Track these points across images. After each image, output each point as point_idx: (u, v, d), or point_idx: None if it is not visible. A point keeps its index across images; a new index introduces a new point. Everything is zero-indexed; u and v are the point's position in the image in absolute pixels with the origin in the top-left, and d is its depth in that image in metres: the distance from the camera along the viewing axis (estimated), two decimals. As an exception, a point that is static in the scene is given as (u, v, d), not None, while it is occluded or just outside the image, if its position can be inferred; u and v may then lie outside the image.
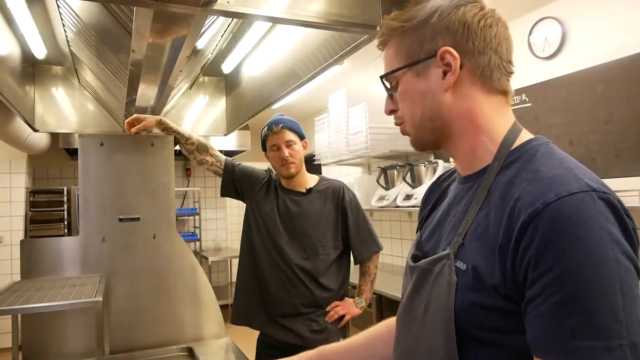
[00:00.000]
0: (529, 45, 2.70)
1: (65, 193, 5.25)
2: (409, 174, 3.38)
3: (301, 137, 2.10)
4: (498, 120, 0.74)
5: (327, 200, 2.10)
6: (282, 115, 2.13)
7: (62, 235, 4.97)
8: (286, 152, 2.01)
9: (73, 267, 1.88)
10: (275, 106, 2.38)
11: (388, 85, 0.81)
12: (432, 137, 0.78)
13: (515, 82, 2.79)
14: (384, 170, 3.68)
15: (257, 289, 2.13)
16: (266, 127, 2.08)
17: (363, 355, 0.97)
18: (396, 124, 0.82)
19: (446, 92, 0.74)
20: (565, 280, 0.56)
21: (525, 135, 0.74)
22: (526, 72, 2.74)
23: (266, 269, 2.09)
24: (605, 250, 0.56)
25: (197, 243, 6.12)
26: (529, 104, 2.71)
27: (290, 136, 2.04)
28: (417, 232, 0.91)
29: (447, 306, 0.68)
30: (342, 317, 2.15)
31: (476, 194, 0.72)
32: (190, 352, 1.89)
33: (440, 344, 0.70)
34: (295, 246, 2.06)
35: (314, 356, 0.98)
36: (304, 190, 2.09)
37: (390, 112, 0.82)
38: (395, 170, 3.62)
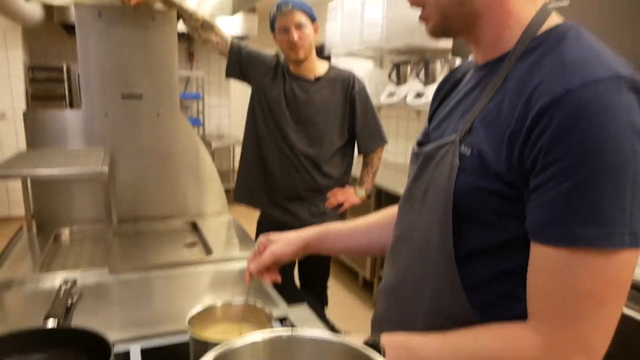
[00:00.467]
0: None
1: (65, 70, 5.15)
2: (422, 71, 3.28)
3: (312, 19, 1.99)
4: (527, 2, 0.68)
5: (336, 89, 2.06)
6: None
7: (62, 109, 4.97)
8: (295, 35, 1.92)
9: (77, 141, 1.90)
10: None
11: None
12: (456, 24, 0.71)
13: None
14: (396, 66, 3.57)
15: (260, 173, 2.19)
16: (275, 7, 1.97)
17: (364, 238, 1.00)
18: (413, 4, 0.74)
19: None
20: (576, 169, 0.56)
21: (554, 19, 0.68)
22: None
23: (270, 154, 2.13)
24: (622, 139, 0.55)
25: (200, 129, 6.15)
26: (567, 2, 2.54)
27: (301, 18, 1.94)
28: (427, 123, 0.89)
29: (447, 188, 0.69)
30: (342, 204, 2.23)
31: (491, 80, 0.69)
32: (194, 226, 1.99)
33: (435, 225, 0.71)
34: (300, 133, 2.07)
35: (317, 232, 1.01)
36: (313, 78, 2.05)
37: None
38: (408, 66, 3.50)
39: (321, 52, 4.43)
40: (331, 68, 2.11)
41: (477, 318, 0.69)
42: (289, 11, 1.91)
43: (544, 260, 0.61)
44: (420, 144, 0.84)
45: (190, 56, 6.19)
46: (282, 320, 1.15)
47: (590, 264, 0.57)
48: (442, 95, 0.88)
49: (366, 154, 2.22)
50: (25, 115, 1.87)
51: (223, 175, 6.42)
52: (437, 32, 0.73)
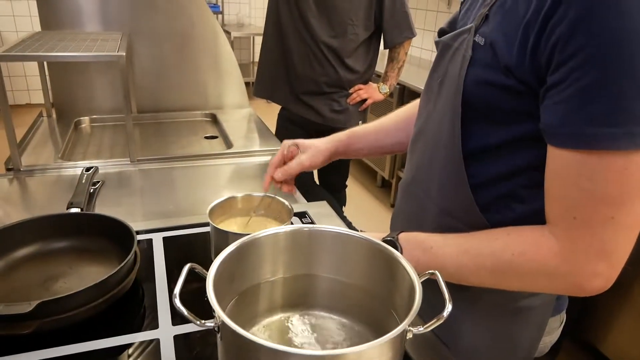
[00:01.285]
0: None
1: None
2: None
3: None
4: None
5: None
6: None
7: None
8: None
9: (93, 23, 1.81)
10: None
11: None
12: None
13: None
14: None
15: (281, 64, 2.10)
16: None
17: (391, 138, 0.97)
18: None
19: None
20: (597, 62, 0.50)
21: None
22: None
23: (292, 44, 2.02)
24: None
25: (220, 16, 5.88)
26: None
27: None
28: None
29: (458, 81, 0.65)
30: (364, 100, 2.15)
31: None
32: (214, 118, 1.95)
33: (446, 119, 0.69)
34: (323, 22, 1.95)
35: (345, 138, 0.98)
36: None
37: None
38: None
39: None
40: None
41: (483, 219, 0.68)
42: None
43: (560, 164, 0.57)
44: (441, 32, 0.78)
45: None
46: (302, 216, 1.15)
47: (608, 166, 0.53)
48: None
49: (392, 47, 2.10)
50: (37, -8, 1.77)
51: (243, 68, 6.27)
52: None
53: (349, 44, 1.99)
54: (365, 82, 2.14)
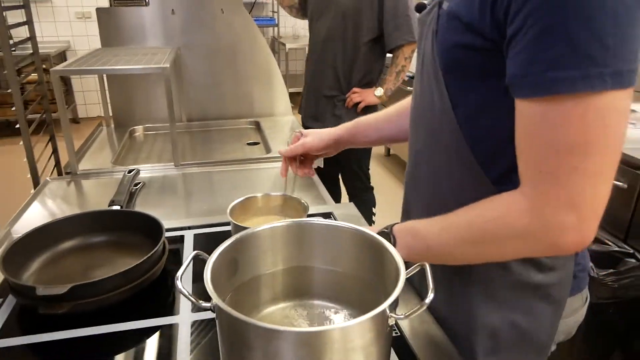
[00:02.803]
0: None
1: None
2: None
3: None
4: None
5: None
6: None
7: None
8: None
9: (149, 39, 1.96)
10: None
11: None
12: None
13: None
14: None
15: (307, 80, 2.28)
16: None
17: (395, 126, 0.98)
18: None
19: None
20: (547, 7, 0.50)
21: None
22: None
23: (310, 56, 2.20)
24: None
25: (275, 29, 6.05)
26: None
27: None
28: None
29: (432, 52, 0.67)
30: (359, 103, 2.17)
31: None
32: (257, 125, 2.03)
33: (434, 90, 0.70)
34: (330, 23, 2.05)
35: (350, 127, 1.01)
36: None
37: None
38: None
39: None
40: None
41: (492, 187, 0.67)
42: None
43: (525, 117, 0.57)
44: (419, 8, 0.78)
45: (264, -50, 5.95)
46: (327, 217, 1.19)
47: (568, 113, 0.52)
48: None
49: (392, 50, 2.11)
50: (98, 13, 1.93)
51: (298, 79, 6.36)
52: None
53: (354, 49, 2.07)
54: (368, 86, 2.15)
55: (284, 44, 5.57)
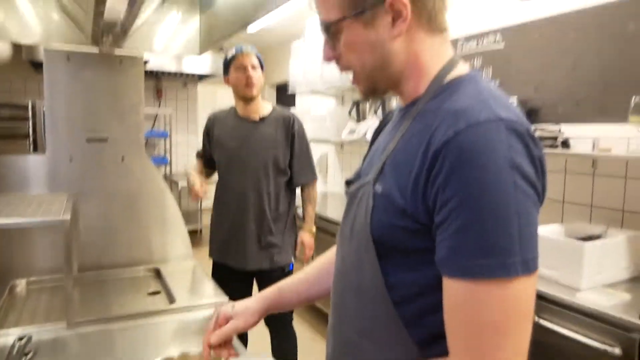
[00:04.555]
0: (510, -16, 2.66)
1: (30, 108, 5.07)
2: (380, 108, 3.40)
3: (262, 66, 2.28)
4: (438, 57, 0.76)
5: (279, 127, 2.28)
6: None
7: (28, 152, 4.86)
8: (252, 72, 2.19)
9: (40, 186, 1.88)
10: (251, 30, 2.37)
11: (326, 32, 0.78)
12: (383, 85, 0.79)
13: (491, 22, 2.78)
14: (356, 103, 3.69)
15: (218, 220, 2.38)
16: (234, 49, 2.25)
17: (316, 287, 1.03)
18: (342, 71, 0.80)
19: (395, 40, 0.73)
20: (467, 205, 0.61)
21: (460, 70, 0.76)
22: (503, 12, 2.71)
23: (225, 197, 2.33)
24: (504, 176, 0.61)
25: (167, 167, 6.10)
26: (502, 46, 2.72)
27: (256, 61, 2.23)
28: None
29: (366, 228, 0.74)
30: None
31: (403, 123, 0.77)
32: (158, 272, 1.96)
33: (364, 262, 0.76)
34: (249, 170, 2.25)
35: (274, 295, 1.03)
36: (258, 118, 2.27)
37: (330, 59, 0.80)
38: (367, 104, 3.63)
39: (285, 90, 4.53)
40: (274, 109, 2.35)
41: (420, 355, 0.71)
42: (248, 52, 2.22)
43: (449, 295, 0.65)
44: (348, 183, 0.89)
45: (158, 93, 6.20)
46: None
47: (489, 295, 0.61)
48: (375, 135, 0.94)
49: (304, 189, 2.42)
50: (-17, 160, 1.84)
51: (190, 216, 6.31)
52: (368, 94, 0.81)
53: (272, 188, 2.28)
54: (288, 220, 2.37)
55: (176, 182, 5.60)
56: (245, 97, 2.24)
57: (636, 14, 2.08)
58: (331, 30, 0.76)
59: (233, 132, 2.28)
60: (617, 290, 1.77)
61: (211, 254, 2.40)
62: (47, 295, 1.73)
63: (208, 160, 2.43)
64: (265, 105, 2.33)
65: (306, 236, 2.44)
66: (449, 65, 0.76)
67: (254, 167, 2.24)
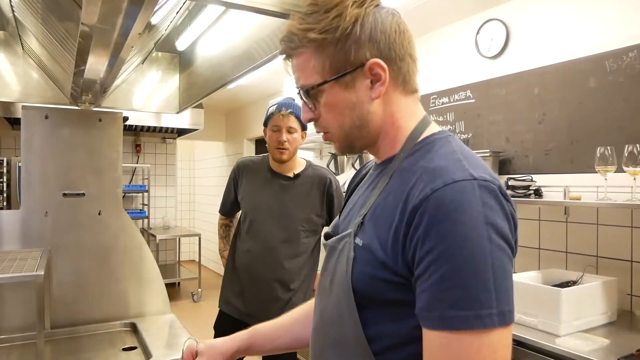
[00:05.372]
0: (476, 44, 2.83)
1: (4, 164, 5.01)
2: (357, 161, 3.47)
3: (303, 127, 2.14)
4: (412, 117, 0.81)
5: (314, 188, 2.15)
6: (294, 100, 2.16)
7: (1, 209, 4.76)
8: (285, 137, 2.06)
9: (13, 242, 1.84)
10: (229, 86, 2.39)
11: (306, 96, 0.81)
12: (359, 144, 0.83)
13: (462, 79, 2.93)
14: (334, 156, 3.76)
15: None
16: (275, 106, 2.13)
17: (290, 335, 1.02)
18: (318, 132, 0.85)
19: (374, 101, 0.78)
20: (445, 259, 0.64)
21: (432, 129, 0.81)
22: (472, 69, 2.87)
23: (252, 251, 2.13)
24: (479, 231, 0.64)
25: (145, 220, 6.02)
26: (473, 100, 2.85)
27: (294, 123, 2.09)
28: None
29: (346, 279, 0.76)
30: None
31: (381, 179, 0.80)
32: (134, 327, 1.91)
33: (344, 313, 0.77)
34: (279, 228, 2.10)
35: (245, 338, 1.02)
36: (292, 175, 2.14)
37: (310, 120, 0.84)
38: (345, 157, 3.70)
39: (264, 144, 4.61)
40: (309, 165, 2.22)
41: None
42: (286, 114, 2.07)
43: (429, 345, 0.67)
44: (327, 236, 0.91)
45: (136, 148, 6.20)
46: None
47: (466, 346, 0.63)
48: (351, 190, 0.97)
49: None
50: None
51: (168, 269, 6.19)
52: (344, 151, 0.86)
53: (301, 247, 2.12)
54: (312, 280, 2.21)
55: (154, 235, 5.52)
56: (277, 160, 2.12)
57: (596, 70, 2.22)
58: (311, 93, 0.80)
59: (265, 186, 2.15)
60: (596, 335, 1.78)
61: (221, 304, 2.22)
62: (17, 354, 1.66)
63: (232, 207, 2.31)
64: (300, 161, 2.22)
65: None
66: (422, 124, 0.81)
67: (283, 226, 2.10)
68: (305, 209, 2.13)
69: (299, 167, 2.19)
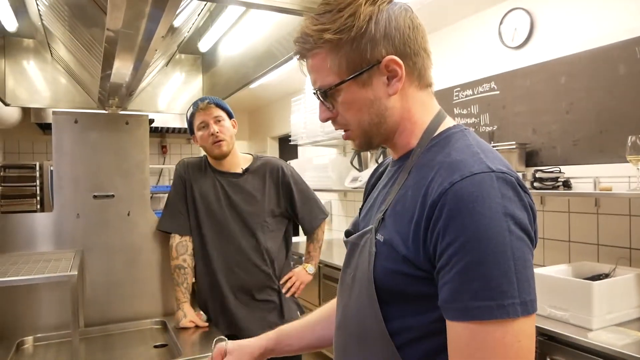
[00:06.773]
0: (500, 34, 2.78)
1: (37, 168, 5.17)
2: (381, 156, 3.45)
3: (229, 114, 1.99)
4: (428, 111, 0.82)
5: (267, 179, 2.01)
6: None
7: (35, 211, 4.91)
8: (215, 127, 1.90)
9: (47, 243, 1.90)
10: (252, 85, 2.41)
11: (323, 96, 0.81)
12: (378, 140, 0.83)
13: (485, 70, 2.88)
14: (357, 153, 3.75)
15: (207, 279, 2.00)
16: (191, 107, 1.97)
17: (314, 335, 1.03)
18: (337, 129, 0.85)
19: (391, 97, 0.78)
20: (466, 251, 0.64)
21: (447, 123, 0.81)
22: (496, 60, 2.82)
23: (216, 256, 1.96)
24: (499, 222, 0.64)
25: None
26: (497, 92, 2.80)
27: (218, 112, 1.94)
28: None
29: (369, 275, 0.76)
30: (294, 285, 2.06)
31: (399, 175, 0.81)
32: (164, 325, 1.95)
33: (367, 308, 0.77)
34: (241, 228, 1.96)
35: (273, 338, 1.03)
36: (240, 171, 2.00)
37: (327, 119, 0.84)
38: (368, 152, 3.69)
39: (287, 142, 4.63)
40: (257, 158, 2.08)
41: None
42: (205, 106, 1.92)
43: (453, 336, 0.67)
44: (347, 233, 0.92)
45: (163, 149, 6.30)
46: None
47: (490, 335, 0.63)
48: (370, 187, 0.98)
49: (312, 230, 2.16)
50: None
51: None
52: (363, 147, 0.86)
53: (268, 241, 1.98)
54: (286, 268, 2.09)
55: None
56: (217, 157, 1.96)
57: (626, 56, 2.16)
58: (328, 93, 0.81)
59: (215, 186, 1.98)
60: (630, 329, 1.74)
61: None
62: (53, 351, 1.72)
63: (183, 220, 2.00)
64: (244, 156, 2.07)
65: (300, 273, 2.10)
66: (438, 118, 0.81)
67: (245, 227, 1.95)
68: (264, 203, 1.98)
69: (245, 162, 2.04)
